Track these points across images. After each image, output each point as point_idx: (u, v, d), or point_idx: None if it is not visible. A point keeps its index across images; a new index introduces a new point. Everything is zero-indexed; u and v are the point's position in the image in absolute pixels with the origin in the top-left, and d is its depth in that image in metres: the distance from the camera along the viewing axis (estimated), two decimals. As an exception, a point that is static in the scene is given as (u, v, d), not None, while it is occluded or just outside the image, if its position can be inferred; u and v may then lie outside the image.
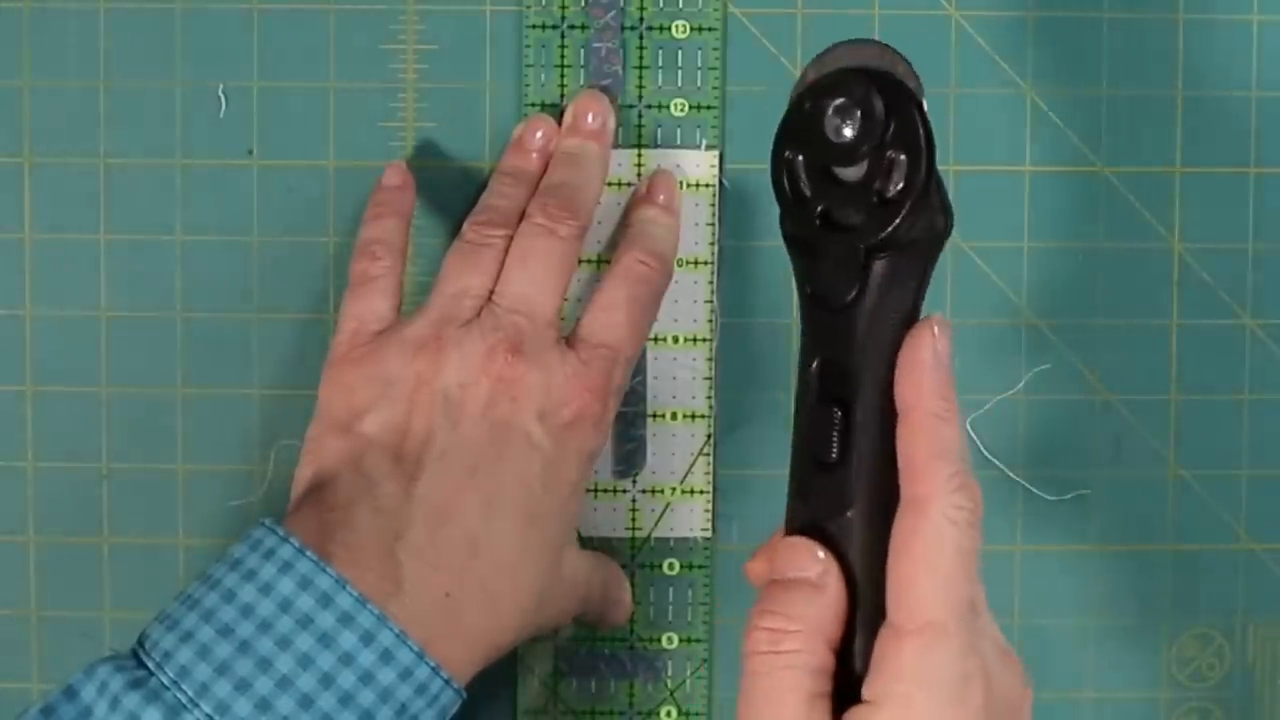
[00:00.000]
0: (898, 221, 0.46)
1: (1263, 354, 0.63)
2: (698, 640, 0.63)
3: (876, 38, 0.49)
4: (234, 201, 0.62)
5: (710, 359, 0.62)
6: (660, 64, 0.62)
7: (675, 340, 0.62)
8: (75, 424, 0.62)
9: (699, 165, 0.62)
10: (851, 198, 0.47)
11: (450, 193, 0.62)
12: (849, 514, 0.47)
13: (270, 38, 0.62)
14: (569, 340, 0.57)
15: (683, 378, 0.62)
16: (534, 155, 0.60)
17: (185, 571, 0.62)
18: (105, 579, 0.62)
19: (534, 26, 0.61)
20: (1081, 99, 0.62)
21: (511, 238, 0.58)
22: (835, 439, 0.47)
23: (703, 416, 0.62)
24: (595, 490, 0.62)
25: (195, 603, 0.52)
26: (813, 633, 0.46)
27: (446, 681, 0.52)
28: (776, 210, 0.61)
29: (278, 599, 0.51)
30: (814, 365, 0.47)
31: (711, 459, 0.62)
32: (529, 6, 0.61)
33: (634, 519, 0.62)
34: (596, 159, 0.60)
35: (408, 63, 0.62)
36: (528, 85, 0.62)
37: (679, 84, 0.62)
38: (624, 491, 0.62)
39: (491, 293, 0.57)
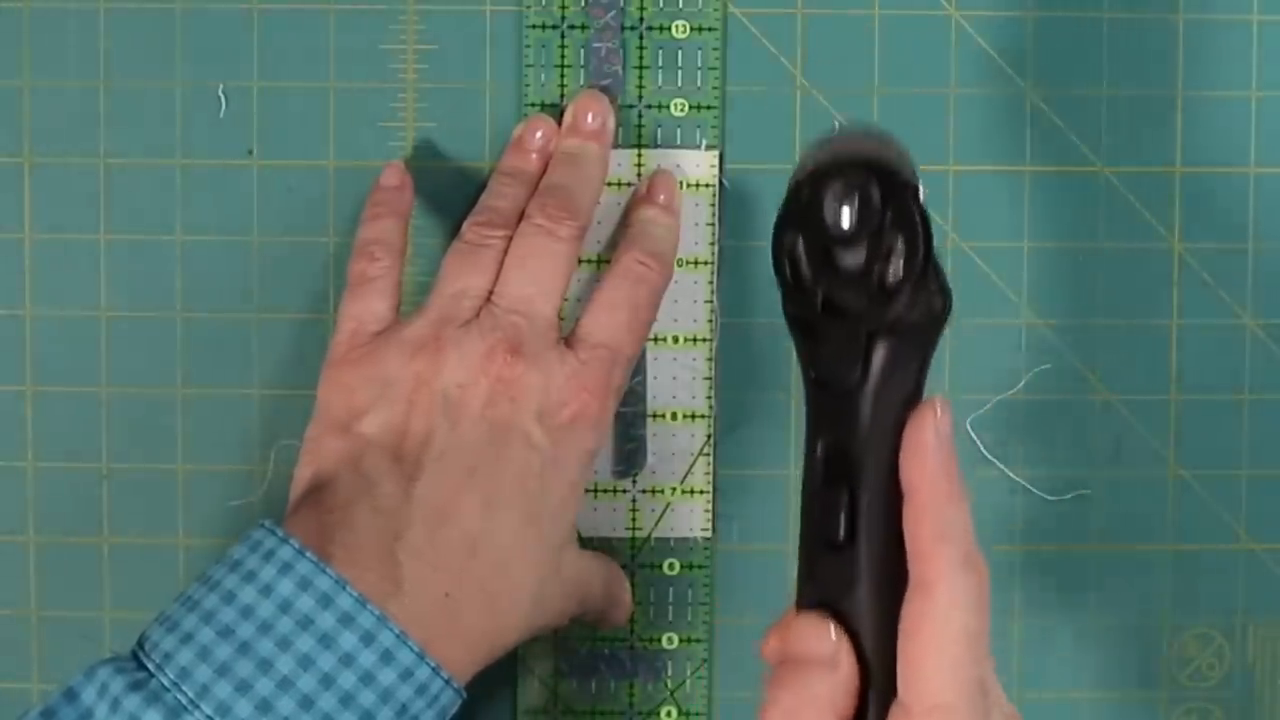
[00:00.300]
0: (897, 307, 0.47)
1: (1263, 354, 0.63)
2: (698, 640, 0.63)
3: (875, 123, 0.52)
4: (234, 201, 0.62)
5: (710, 359, 0.62)
6: (660, 64, 0.62)
7: (675, 340, 0.62)
8: (75, 424, 0.62)
9: (699, 165, 0.62)
10: (851, 283, 0.47)
11: (450, 193, 0.62)
12: (858, 594, 0.47)
13: (270, 38, 0.62)
14: (568, 341, 0.57)
15: (683, 378, 0.62)
16: (533, 156, 0.60)
17: (185, 571, 0.62)
18: (105, 579, 0.62)
19: (534, 26, 0.61)
20: (1081, 99, 0.62)
21: (511, 238, 0.58)
22: (843, 520, 0.47)
23: (703, 416, 0.62)
24: (595, 490, 0.62)
25: (195, 604, 0.52)
26: (825, 711, 0.46)
27: (447, 682, 0.52)
28: (777, 220, 0.61)
29: (278, 600, 0.51)
30: (819, 447, 0.48)
31: (711, 459, 0.62)
32: (529, 6, 0.61)
33: (634, 519, 0.62)
34: (596, 159, 0.60)
35: (408, 63, 0.62)
36: (528, 85, 0.62)
37: (679, 84, 0.62)
38: (624, 491, 0.62)
39: (491, 293, 0.57)
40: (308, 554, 0.52)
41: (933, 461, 0.46)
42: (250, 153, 0.62)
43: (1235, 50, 0.62)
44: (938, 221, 0.62)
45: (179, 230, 0.62)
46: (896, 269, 0.47)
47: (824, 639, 0.47)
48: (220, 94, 0.62)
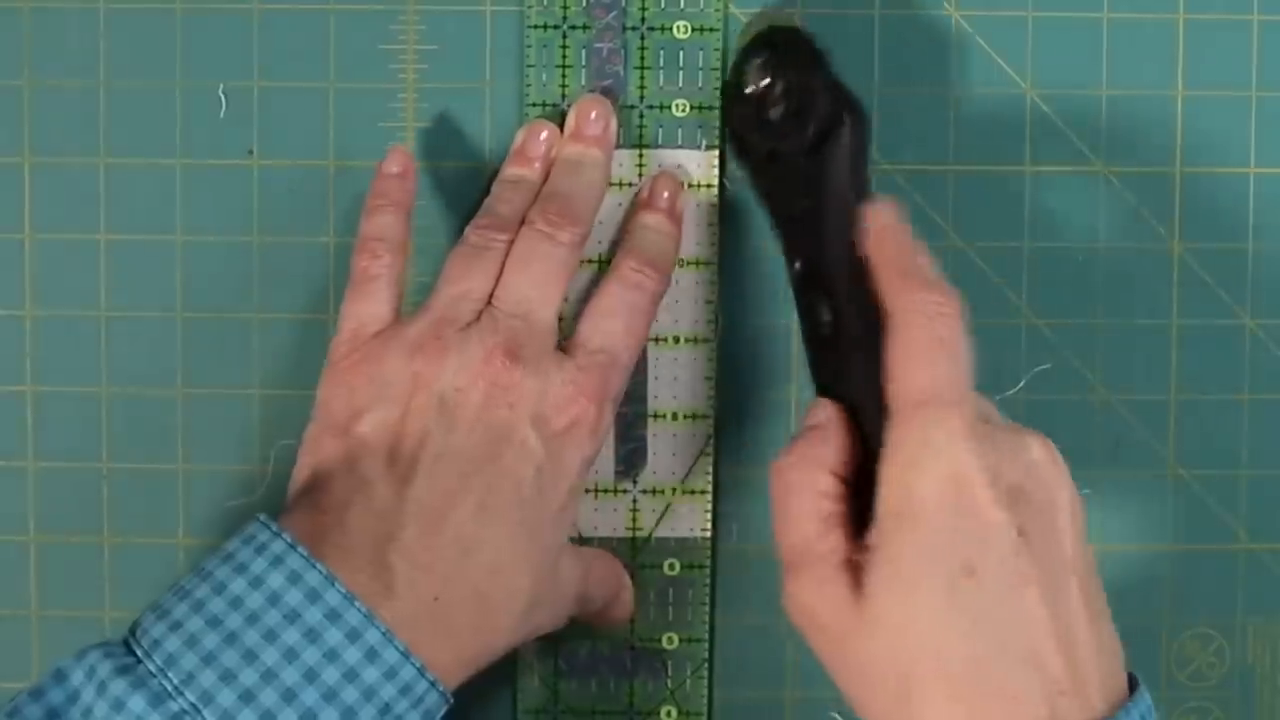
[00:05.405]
0: (810, 133, 0.56)
1: (1263, 354, 0.63)
2: (698, 640, 0.63)
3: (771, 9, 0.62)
4: (234, 201, 0.62)
5: (711, 359, 0.62)
6: (662, 64, 0.62)
7: (677, 340, 0.62)
8: (75, 424, 0.62)
9: (699, 165, 0.62)
10: (777, 130, 0.57)
11: (450, 193, 0.62)
12: (849, 373, 0.54)
13: (270, 38, 0.62)
14: (566, 347, 0.57)
15: (684, 378, 0.62)
16: (536, 162, 0.60)
17: (185, 571, 0.62)
18: (105, 579, 0.62)
19: (535, 26, 0.61)
20: (1081, 99, 0.62)
21: (513, 242, 0.58)
22: (826, 317, 0.56)
23: (704, 416, 0.62)
24: (596, 490, 0.62)
25: (187, 593, 0.52)
26: (819, 463, 0.53)
27: (432, 684, 0.52)
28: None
29: (267, 592, 0.51)
30: (796, 265, 0.57)
31: (712, 459, 0.62)
32: (530, 6, 0.61)
33: (635, 519, 0.62)
34: (598, 165, 0.60)
35: (408, 63, 0.62)
36: (529, 85, 0.62)
37: (680, 84, 0.62)
38: (625, 491, 0.62)
39: (491, 296, 0.57)
40: (299, 549, 0.52)
41: (890, 229, 0.54)
42: (250, 153, 0.62)
43: (1235, 50, 0.63)
44: (937, 221, 0.62)
45: (179, 230, 0.62)
46: (793, 103, 0.57)
47: (820, 411, 0.54)
48: (220, 94, 0.62)
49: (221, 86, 0.62)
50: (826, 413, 0.54)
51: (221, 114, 0.62)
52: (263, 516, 0.53)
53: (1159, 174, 0.62)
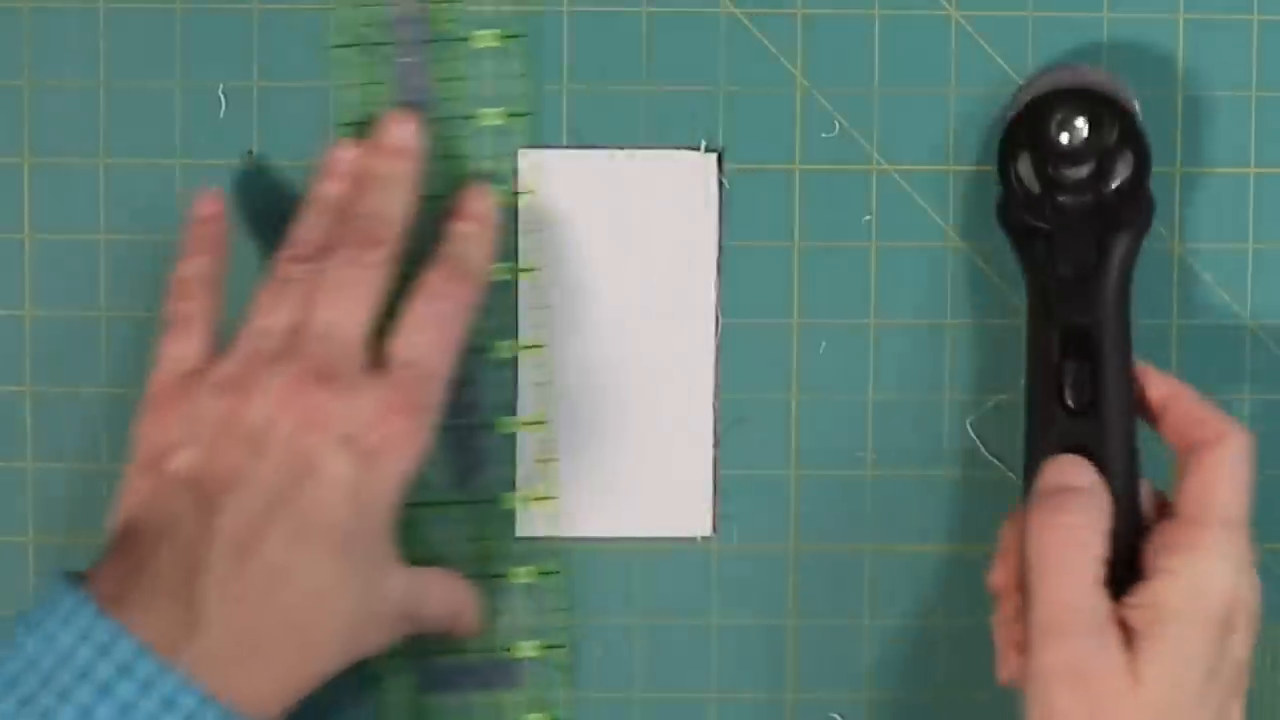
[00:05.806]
0: (1122, 211, 0.57)
1: (1263, 354, 0.63)
2: (558, 646, 0.62)
3: (1085, 63, 0.61)
4: (233, 201, 0.62)
5: (545, 365, 0.62)
6: (469, 75, 0.61)
7: (506, 348, 0.62)
8: (75, 424, 0.62)
9: (695, 167, 0.62)
10: (1078, 192, 0.58)
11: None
12: (1100, 447, 0.57)
13: (270, 38, 0.62)
14: (377, 364, 0.57)
15: (519, 385, 0.62)
16: (339, 182, 0.59)
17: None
18: (105, 579, 0.62)
19: (340, 45, 0.61)
20: (1081, 99, 0.62)
21: (321, 268, 0.57)
22: (1082, 387, 0.57)
23: (540, 423, 0.62)
24: (438, 503, 0.62)
25: None
26: (1097, 529, 0.55)
27: None
28: (780, 210, 0.61)
29: (58, 651, 0.51)
30: (1053, 326, 0.57)
31: (557, 463, 0.62)
32: (334, 27, 0.61)
33: (480, 530, 0.62)
34: (402, 180, 0.59)
35: (407, 63, 0.62)
36: (338, 104, 0.61)
37: (490, 93, 0.61)
38: (466, 503, 0.62)
39: (301, 324, 0.57)
40: (89, 604, 0.52)
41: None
42: (250, 153, 0.62)
43: (1235, 50, 0.62)
44: (937, 221, 0.62)
45: (179, 230, 0.62)
46: (1124, 180, 0.58)
47: (1088, 473, 0.57)
48: (220, 94, 0.62)
49: (221, 86, 0.62)
50: (1091, 478, 0.56)
51: (221, 114, 0.62)
52: (58, 573, 0.54)
53: (1158, 174, 0.62)
